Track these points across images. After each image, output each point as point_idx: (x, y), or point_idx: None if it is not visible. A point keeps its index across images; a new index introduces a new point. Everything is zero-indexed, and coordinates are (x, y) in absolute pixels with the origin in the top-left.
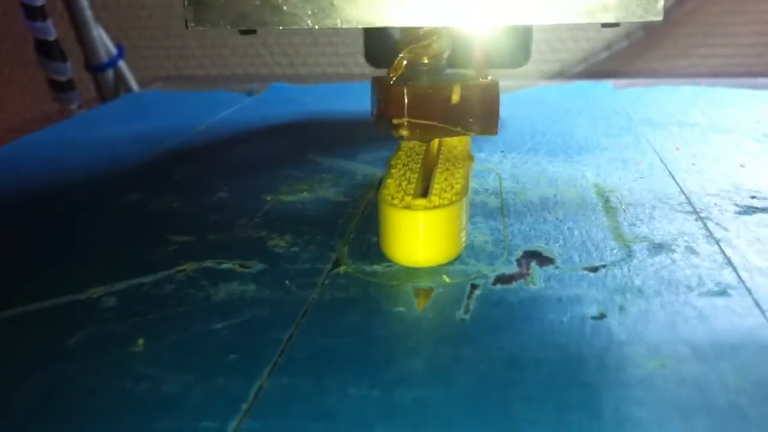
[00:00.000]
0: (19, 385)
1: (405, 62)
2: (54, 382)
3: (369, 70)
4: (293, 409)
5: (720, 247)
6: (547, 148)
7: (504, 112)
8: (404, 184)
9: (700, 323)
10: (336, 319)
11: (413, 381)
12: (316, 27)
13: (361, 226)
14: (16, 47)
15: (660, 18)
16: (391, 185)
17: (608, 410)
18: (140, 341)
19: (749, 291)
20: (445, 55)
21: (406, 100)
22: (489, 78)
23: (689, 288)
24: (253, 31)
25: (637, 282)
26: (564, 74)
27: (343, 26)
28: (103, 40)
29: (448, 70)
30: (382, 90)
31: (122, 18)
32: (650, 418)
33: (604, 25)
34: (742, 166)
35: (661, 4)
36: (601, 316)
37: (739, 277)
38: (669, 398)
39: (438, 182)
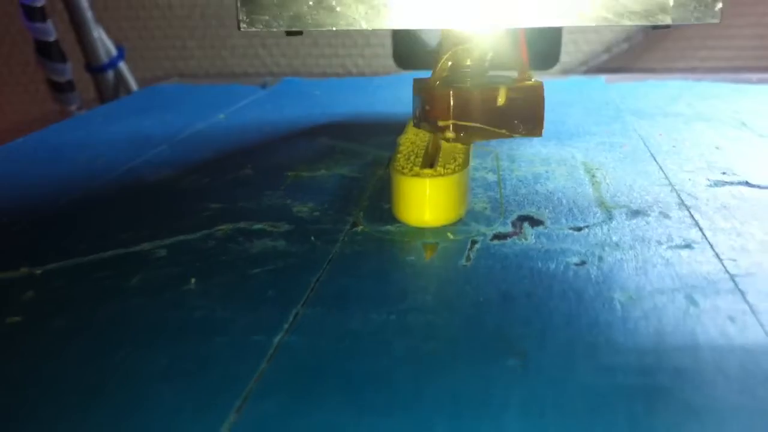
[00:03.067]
0: (92, 315)
1: (449, 64)
2: (121, 312)
3: (368, 71)
4: (326, 329)
5: (690, 213)
6: None
7: None
8: (413, 157)
9: (666, 269)
10: (356, 265)
11: (424, 309)
12: (370, 28)
13: (373, 196)
14: (16, 48)
15: (718, 20)
16: (401, 158)
17: (584, 328)
18: (192, 280)
19: (711, 245)
20: (488, 58)
21: (451, 103)
22: (533, 80)
23: (659, 243)
24: (299, 33)
25: (615, 238)
26: (564, 75)
27: (396, 27)
28: (103, 41)
29: (491, 73)
30: (426, 92)
31: (122, 19)
32: (618, 334)
33: (655, 28)
34: (717, 148)
35: (719, 6)
36: (582, 264)
37: (704, 234)
38: (632, 319)
39: (442, 156)
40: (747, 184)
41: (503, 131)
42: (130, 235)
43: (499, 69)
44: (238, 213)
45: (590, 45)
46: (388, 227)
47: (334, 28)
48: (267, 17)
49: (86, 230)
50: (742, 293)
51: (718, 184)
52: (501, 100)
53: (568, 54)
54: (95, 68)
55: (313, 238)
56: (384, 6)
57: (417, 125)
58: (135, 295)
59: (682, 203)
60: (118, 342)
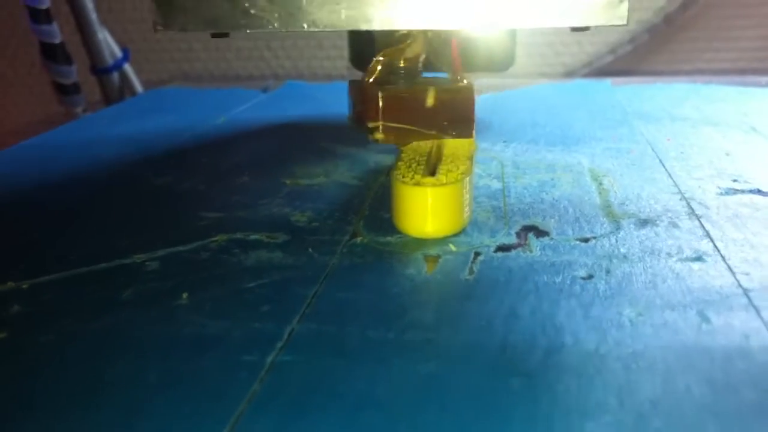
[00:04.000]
0: (80, 330)
1: (380, 66)
2: (111, 326)
3: None
4: (321, 347)
5: (700, 222)
6: (546, 138)
7: (506, 106)
8: (414, 165)
9: (676, 283)
10: (355, 279)
11: (423, 326)
12: (284, 30)
13: (374, 204)
14: (21, 50)
15: (624, 22)
16: (402, 166)
17: (591, 348)
18: (184, 295)
19: (723, 257)
20: (421, 59)
21: (380, 104)
22: (464, 81)
23: (669, 255)
24: (225, 35)
25: (623, 250)
26: (568, 76)
27: (310, 29)
28: (108, 44)
29: (425, 74)
30: (358, 93)
31: (127, 21)
32: (627, 353)
33: (574, 29)
34: (727, 154)
35: (625, 7)
36: (589, 277)
37: (716, 246)
38: (642, 337)
39: (444, 164)
40: (759, 192)
41: (433, 132)
42: (123, 245)
43: (436, 71)
44: (235, 223)
45: (594, 46)
46: (389, 238)
47: (248, 30)
48: (182, 19)
49: (78, 241)
50: (757, 309)
51: (729, 192)
52: (430, 101)
53: (571, 55)
54: (100, 70)
55: (310, 249)
56: (298, 9)
57: (351, 126)
58: (125, 309)
59: (692, 212)
60: (107, 358)
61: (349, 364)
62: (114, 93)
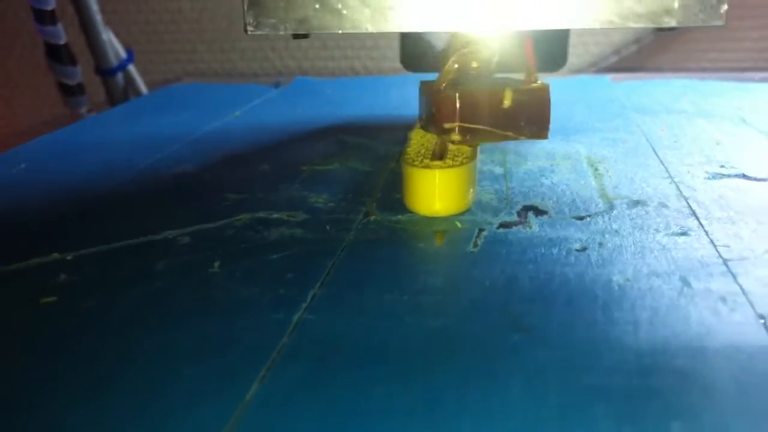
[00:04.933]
0: (122, 296)
1: (455, 67)
2: (149, 294)
3: (376, 73)
4: (342, 307)
5: (687, 203)
6: None
7: None
8: (422, 150)
9: (662, 254)
10: (370, 251)
11: (434, 290)
12: (375, 31)
13: (385, 188)
14: (26, 51)
15: (722, 22)
16: (411, 152)
17: (584, 307)
18: (216, 264)
19: (707, 233)
20: (494, 60)
21: (457, 105)
22: (539, 82)
23: (657, 230)
24: (305, 36)
25: (615, 226)
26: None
27: (402, 30)
28: (112, 44)
29: (497, 75)
30: (432, 95)
31: (131, 22)
32: (615, 312)
33: (660, 30)
34: (717, 143)
35: (724, 8)
36: (583, 249)
37: (700, 223)
38: (629, 299)
39: (451, 149)
40: (744, 176)
41: (509, 133)
42: (154, 223)
43: (506, 71)
44: (257, 204)
45: (599, 47)
46: (400, 217)
47: (339, 31)
48: (274, 20)
49: (111, 221)
50: (734, 276)
51: (716, 176)
52: (507, 102)
53: (577, 56)
54: (105, 71)
55: (328, 227)
56: (389, 9)
57: (423, 128)
58: (162, 278)
59: (680, 194)
60: (149, 319)
61: (367, 321)
62: (118, 94)
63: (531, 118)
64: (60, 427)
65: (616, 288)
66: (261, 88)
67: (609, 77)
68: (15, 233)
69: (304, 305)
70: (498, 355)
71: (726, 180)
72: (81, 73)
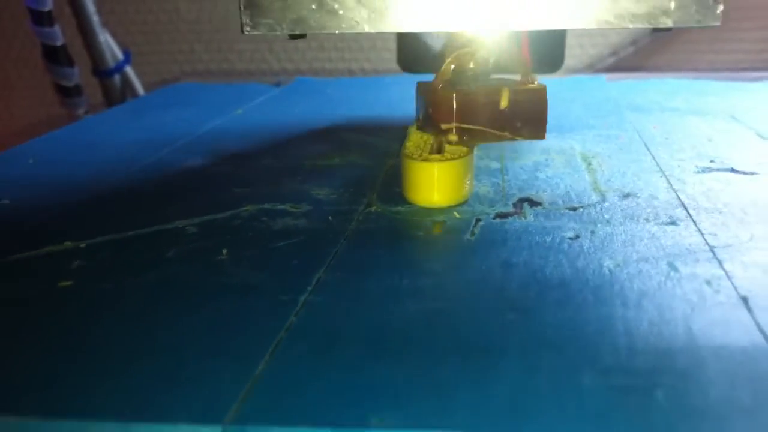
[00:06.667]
0: (136, 280)
1: (452, 67)
2: (162, 277)
3: (374, 74)
4: (346, 290)
5: (677, 195)
6: None
7: None
8: (422, 144)
9: (651, 241)
10: (371, 239)
11: (432, 274)
12: (372, 31)
13: (385, 181)
14: (24, 52)
15: (718, 23)
16: (411, 146)
17: (576, 290)
18: (224, 251)
19: (695, 222)
20: (491, 61)
21: (454, 106)
22: (536, 83)
23: (647, 220)
24: (303, 36)
25: (607, 216)
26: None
27: (399, 30)
28: (110, 46)
29: (494, 76)
30: (429, 95)
31: (129, 23)
32: (605, 293)
33: (657, 30)
34: (709, 140)
35: (720, 8)
36: (576, 238)
37: (689, 213)
38: (618, 281)
39: (449, 144)
40: (732, 170)
41: (506, 134)
42: (164, 214)
43: (504, 72)
44: (261, 196)
45: (596, 48)
46: (400, 208)
47: (336, 31)
48: (270, 21)
49: (121, 212)
50: (720, 261)
51: (705, 170)
52: (504, 103)
53: (573, 57)
54: (102, 72)
55: (330, 217)
56: (386, 9)
57: (421, 128)
58: (173, 264)
59: (670, 187)
60: (161, 302)
61: (369, 302)
62: (115, 95)
63: (528, 118)
64: (86, 397)
65: (607, 272)
66: (262, 87)
67: (604, 76)
68: (26, 224)
69: (309, 288)
70: (494, 331)
71: (715, 173)
72: (78, 74)
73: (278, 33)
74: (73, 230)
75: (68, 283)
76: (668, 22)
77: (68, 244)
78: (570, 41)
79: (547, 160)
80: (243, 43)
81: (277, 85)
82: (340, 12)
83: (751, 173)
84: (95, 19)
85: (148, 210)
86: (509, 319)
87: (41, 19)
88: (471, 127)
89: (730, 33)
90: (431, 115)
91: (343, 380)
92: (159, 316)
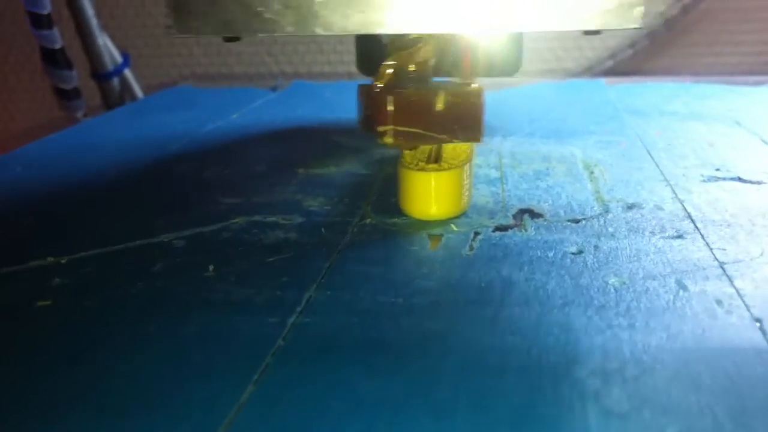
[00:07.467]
0: (122, 296)
1: (390, 70)
2: (147, 293)
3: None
4: (337, 310)
5: (683, 206)
6: (542, 132)
7: (505, 103)
8: (418, 153)
9: (658, 257)
10: (365, 254)
11: (428, 292)
12: (299, 34)
13: (381, 191)
14: (22, 55)
15: (639, 25)
16: (408, 155)
17: (580, 310)
18: (211, 267)
19: (702, 236)
20: (431, 63)
21: (390, 108)
22: (474, 85)
23: (653, 233)
24: (236, 39)
25: (611, 229)
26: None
27: (325, 33)
28: (108, 49)
29: (435, 78)
30: (367, 97)
31: (128, 26)
32: (611, 315)
33: (586, 33)
34: (711, 145)
35: (639, 11)
36: (579, 253)
37: (696, 226)
38: (625, 301)
39: (446, 152)
40: (739, 179)
41: (443, 136)
42: (150, 227)
43: (447, 75)
44: (253, 206)
45: (595, 51)
46: (395, 219)
47: (261, 35)
48: (196, 24)
49: (107, 222)
50: (730, 279)
51: (711, 179)
52: (439, 105)
53: (572, 60)
54: (101, 75)
55: (323, 229)
56: (311, 12)
57: (361, 131)
58: (158, 280)
59: (675, 197)
60: (147, 319)
61: (362, 322)
62: (114, 98)
63: (464, 121)
64: (61, 421)
65: (612, 291)
66: (259, 91)
67: (603, 80)
68: (10, 236)
69: (299, 308)
70: (492, 353)
71: (721, 183)
72: (77, 77)
73: (204, 36)
74: (55, 243)
75: (47, 302)
76: (591, 26)
77: (50, 259)
78: (568, 44)
79: (547, 168)
80: (242, 46)
81: (275, 88)
82: (266, 15)
83: (758, 182)
84: (94, 22)
85: (135, 222)
86: (508, 341)
87: (40, 21)
88: (408, 129)
89: (729, 36)
90: (369, 117)
91: (332, 407)
92: (142, 334)
